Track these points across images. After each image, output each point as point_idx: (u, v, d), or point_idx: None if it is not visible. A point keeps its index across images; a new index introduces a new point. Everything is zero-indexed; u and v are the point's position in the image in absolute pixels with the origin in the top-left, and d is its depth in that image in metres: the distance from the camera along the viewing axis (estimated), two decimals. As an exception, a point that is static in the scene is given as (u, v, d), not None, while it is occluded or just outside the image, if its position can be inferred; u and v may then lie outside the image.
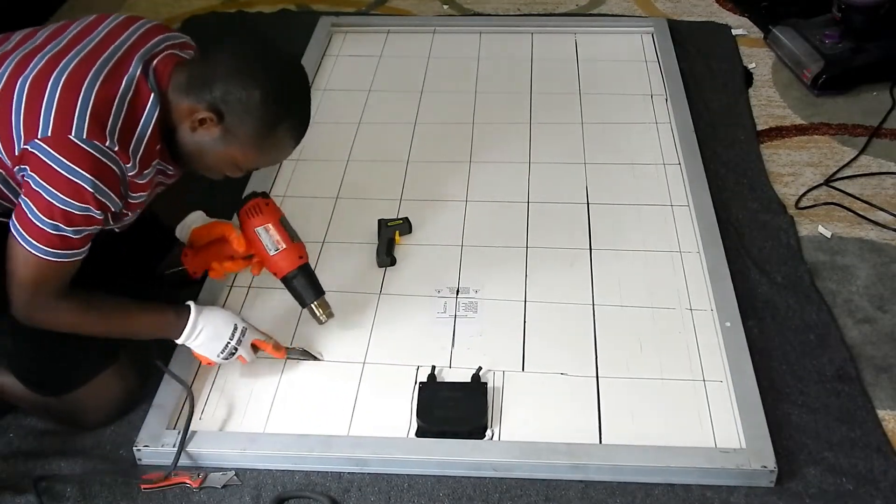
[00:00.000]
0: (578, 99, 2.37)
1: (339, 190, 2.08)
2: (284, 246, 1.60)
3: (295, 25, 2.75)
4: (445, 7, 2.93)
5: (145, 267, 1.74)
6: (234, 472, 1.49)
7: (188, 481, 1.48)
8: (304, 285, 1.63)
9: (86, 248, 1.39)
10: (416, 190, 2.08)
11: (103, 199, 1.33)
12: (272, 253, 1.60)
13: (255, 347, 1.61)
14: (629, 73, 2.48)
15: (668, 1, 2.88)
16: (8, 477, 1.51)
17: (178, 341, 1.55)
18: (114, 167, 1.33)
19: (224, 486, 1.48)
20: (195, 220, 1.69)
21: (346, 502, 1.46)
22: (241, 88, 1.36)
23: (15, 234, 1.34)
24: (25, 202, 1.32)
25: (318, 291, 1.65)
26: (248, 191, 2.01)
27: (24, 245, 1.33)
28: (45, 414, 1.60)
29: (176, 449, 1.49)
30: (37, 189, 1.30)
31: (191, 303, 1.56)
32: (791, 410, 1.57)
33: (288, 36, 2.67)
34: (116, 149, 1.32)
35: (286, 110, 1.42)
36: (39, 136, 1.29)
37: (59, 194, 1.30)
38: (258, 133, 1.40)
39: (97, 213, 1.34)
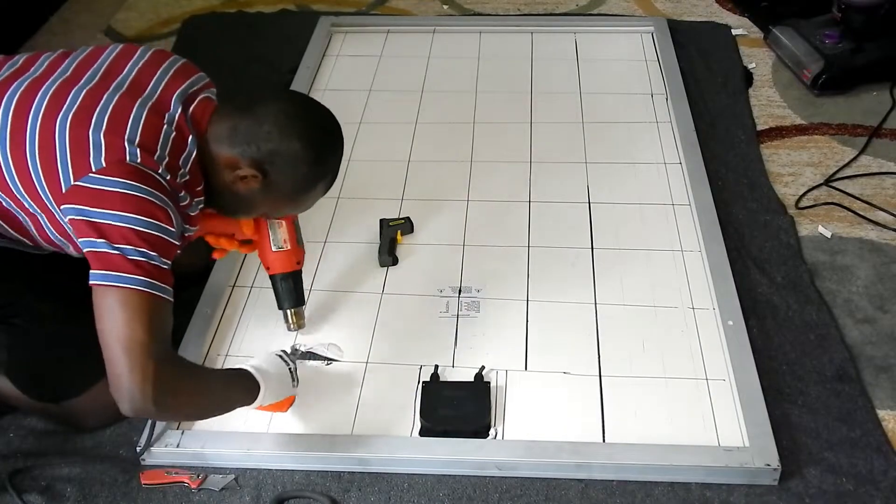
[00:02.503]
0: (579, 98, 2.37)
1: (341, 190, 2.07)
2: (288, 247, 1.61)
3: (295, 25, 2.74)
4: (445, 7, 2.93)
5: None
6: (234, 477, 1.49)
7: (187, 481, 1.48)
8: (289, 290, 1.64)
9: (172, 289, 1.30)
10: (417, 189, 2.08)
11: (169, 212, 1.29)
12: (274, 249, 1.61)
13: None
14: (629, 73, 2.48)
15: (668, 1, 2.88)
16: (8, 477, 1.50)
17: (254, 404, 1.44)
18: (170, 189, 1.31)
19: (222, 490, 1.48)
20: None
21: (346, 502, 1.46)
22: (287, 149, 1.36)
23: (102, 280, 1.23)
24: (95, 243, 1.24)
25: (300, 301, 1.66)
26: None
27: (118, 283, 1.23)
28: (45, 415, 1.59)
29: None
30: (106, 221, 1.24)
31: (244, 366, 1.46)
32: (791, 410, 1.57)
33: (288, 36, 2.67)
34: (168, 177, 1.31)
35: (326, 169, 1.44)
36: (94, 170, 1.25)
37: (126, 214, 1.24)
38: (298, 190, 1.43)
39: (171, 232, 1.29)
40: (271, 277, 1.64)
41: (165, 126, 1.33)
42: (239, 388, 1.42)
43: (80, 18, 2.85)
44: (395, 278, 1.85)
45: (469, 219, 1.99)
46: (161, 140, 1.31)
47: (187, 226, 1.40)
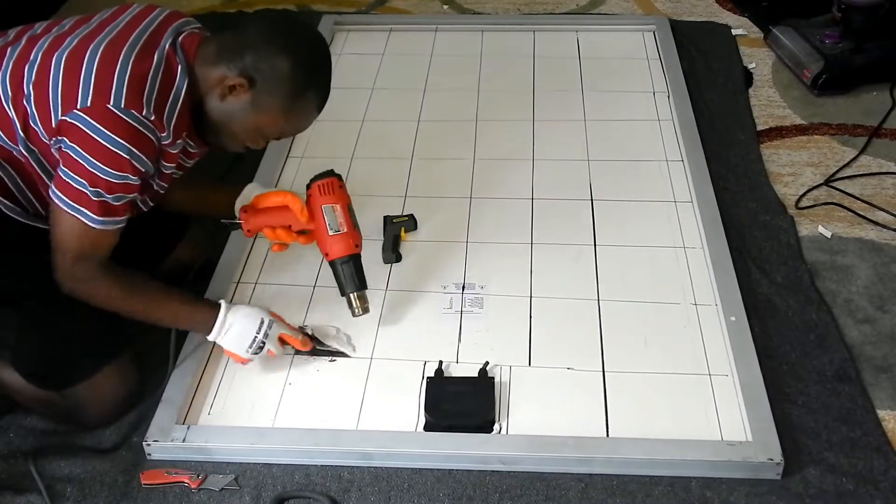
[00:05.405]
0: (581, 96, 2.38)
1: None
2: (346, 230, 1.61)
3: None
4: (445, 7, 2.94)
5: (145, 266, 1.75)
6: (234, 477, 1.49)
7: (187, 481, 1.48)
8: (351, 274, 1.62)
9: (125, 217, 1.43)
10: (420, 186, 2.08)
11: (139, 166, 1.37)
12: (331, 233, 1.60)
13: (283, 342, 1.61)
14: (631, 71, 2.49)
15: (668, 1, 2.89)
16: (8, 477, 1.51)
17: (210, 338, 1.57)
18: (150, 136, 1.37)
19: (222, 490, 1.48)
20: (253, 189, 1.71)
21: (346, 502, 1.46)
22: (272, 55, 1.41)
23: (58, 202, 1.37)
24: (66, 172, 1.36)
25: (362, 284, 1.64)
26: (256, 179, 2.01)
27: (69, 211, 1.37)
28: (46, 410, 1.60)
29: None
30: (77, 159, 1.34)
31: (222, 301, 1.57)
32: (791, 410, 1.57)
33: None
34: (153, 118, 1.36)
35: (313, 77, 1.47)
36: (79, 107, 1.33)
37: (99, 164, 1.34)
38: (287, 99, 1.45)
39: (134, 180, 1.38)
40: (331, 264, 1.63)
41: (154, 61, 1.39)
42: (186, 317, 1.57)
43: (81, 16, 2.84)
44: (399, 275, 1.85)
45: (472, 216, 1.99)
46: (150, 78, 1.37)
47: (166, 163, 1.46)
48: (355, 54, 2.61)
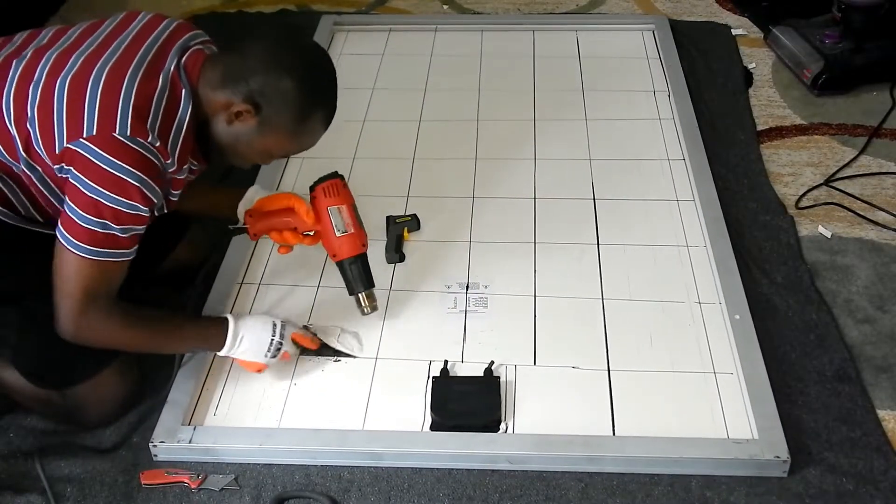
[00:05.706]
0: (582, 96, 2.39)
1: (346, 187, 2.08)
2: (352, 230, 1.61)
3: (294, 25, 2.74)
4: (445, 7, 2.94)
5: (145, 266, 1.74)
6: (234, 477, 1.49)
7: (187, 481, 1.48)
8: (359, 273, 1.64)
9: (134, 249, 1.39)
10: (422, 186, 2.09)
11: (149, 194, 1.34)
12: (338, 234, 1.61)
13: (293, 342, 1.61)
14: (631, 70, 2.50)
15: (668, 1, 2.89)
16: (8, 477, 1.51)
17: (222, 353, 1.55)
18: (157, 162, 1.35)
19: (221, 490, 1.48)
20: (256, 192, 1.71)
21: (345, 502, 1.46)
22: (277, 80, 1.39)
23: (63, 241, 1.34)
24: (71, 207, 1.33)
25: (370, 283, 1.66)
26: (256, 183, 2.00)
27: (73, 249, 1.33)
28: (46, 410, 1.59)
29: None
30: (83, 189, 1.31)
31: (228, 315, 1.56)
32: (791, 410, 1.57)
33: (289, 34, 2.68)
34: (158, 144, 1.34)
35: (319, 98, 1.46)
36: (84, 136, 1.30)
37: (106, 192, 1.31)
38: (294, 122, 1.44)
39: (144, 210, 1.35)
40: (339, 264, 1.63)
41: (159, 86, 1.37)
42: (197, 339, 1.57)
43: (80, 19, 2.82)
44: (403, 275, 1.85)
45: (475, 215, 2.00)
46: (154, 103, 1.35)
47: (173, 191, 1.45)
48: (355, 54, 2.61)
